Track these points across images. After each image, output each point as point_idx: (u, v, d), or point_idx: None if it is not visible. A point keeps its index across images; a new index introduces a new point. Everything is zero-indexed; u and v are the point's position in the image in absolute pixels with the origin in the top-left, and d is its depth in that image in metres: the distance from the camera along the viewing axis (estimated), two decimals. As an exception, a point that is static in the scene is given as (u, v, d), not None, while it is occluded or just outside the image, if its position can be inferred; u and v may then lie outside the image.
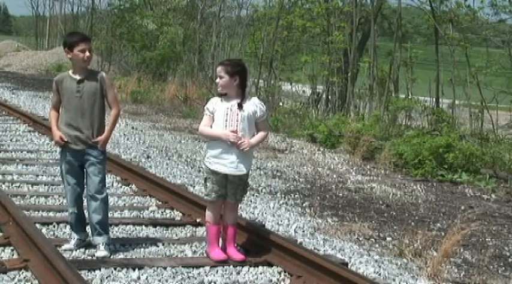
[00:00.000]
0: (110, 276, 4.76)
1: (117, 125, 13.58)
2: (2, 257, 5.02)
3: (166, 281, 4.75)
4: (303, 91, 19.94)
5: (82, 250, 5.31)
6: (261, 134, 5.34)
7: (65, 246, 5.31)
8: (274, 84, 18.72)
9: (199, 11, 24.25)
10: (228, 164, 5.16)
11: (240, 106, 5.20)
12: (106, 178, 7.71)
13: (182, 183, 8.18)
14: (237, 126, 5.18)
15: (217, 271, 5.02)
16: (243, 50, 22.26)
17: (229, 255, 5.23)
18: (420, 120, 15.35)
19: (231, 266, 5.14)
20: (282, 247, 5.27)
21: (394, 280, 5.21)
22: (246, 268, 5.14)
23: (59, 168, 5.79)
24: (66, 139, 5.25)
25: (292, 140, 12.95)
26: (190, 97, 18.56)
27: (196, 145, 11.70)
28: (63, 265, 4.41)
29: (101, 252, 5.19)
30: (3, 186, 7.33)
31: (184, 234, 6.07)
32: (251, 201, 7.50)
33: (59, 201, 6.90)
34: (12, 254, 5.11)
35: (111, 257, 5.21)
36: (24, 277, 4.65)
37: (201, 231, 6.11)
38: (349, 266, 5.30)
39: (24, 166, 8.54)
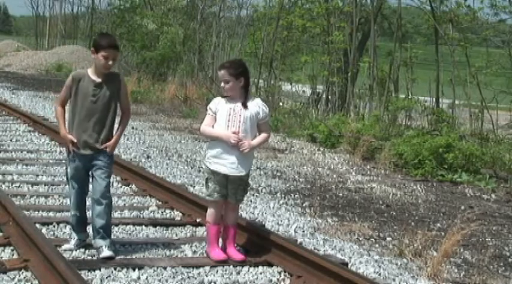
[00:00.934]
0: (110, 276, 4.76)
1: (117, 125, 13.59)
2: (2, 257, 5.02)
3: (166, 281, 4.75)
4: (303, 91, 19.94)
5: (82, 250, 5.31)
6: (262, 136, 5.32)
7: (65, 246, 5.26)
8: (274, 84, 18.72)
9: (199, 11, 24.26)
10: (228, 164, 5.14)
11: (243, 106, 5.17)
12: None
13: (182, 183, 8.18)
14: (239, 126, 5.14)
15: (217, 271, 5.02)
16: (243, 50, 22.26)
17: (229, 255, 5.22)
18: (420, 120, 15.35)
19: (231, 266, 5.14)
20: (282, 247, 5.27)
21: (394, 280, 5.21)
22: (246, 268, 5.14)
23: (64, 169, 5.66)
24: (74, 142, 5.10)
25: (292, 140, 12.95)
26: (190, 97, 18.56)
27: (196, 145, 11.70)
28: (63, 265, 4.41)
29: (106, 252, 5.06)
30: (3, 186, 7.33)
31: (184, 234, 6.07)
32: (251, 201, 7.50)
33: (59, 201, 6.90)
34: (12, 254, 5.11)
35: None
36: (24, 277, 4.65)
37: (201, 231, 6.11)
38: (349, 266, 5.30)
39: (24, 166, 8.54)
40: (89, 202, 5.43)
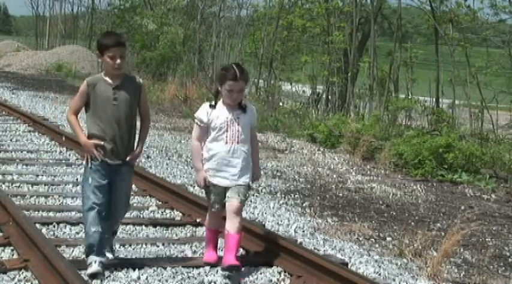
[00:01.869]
0: (110, 276, 4.75)
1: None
2: (2, 257, 5.02)
3: (166, 281, 4.75)
4: (303, 91, 19.95)
5: (82, 250, 5.30)
6: (257, 151, 5.11)
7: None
8: (274, 84, 18.73)
9: (199, 11, 24.26)
10: (229, 177, 4.87)
11: (243, 112, 4.90)
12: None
13: (182, 183, 8.18)
14: (238, 137, 4.86)
15: (217, 271, 5.02)
16: (243, 50, 22.26)
17: (226, 261, 4.88)
18: (420, 120, 15.36)
19: (231, 266, 5.13)
20: (282, 247, 5.27)
21: (394, 280, 5.21)
22: (246, 268, 5.13)
23: (81, 185, 4.93)
24: (101, 145, 4.69)
25: (292, 140, 12.95)
26: (190, 97, 18.56)
27: (196, 145, 11.70)
28: (63, 265, 4.41)
29: (94, 268, 4.61)
30: (3, 186, 7.32)
31: (184, 234, 6.07)
32: (251, 201, 7.49)
33: (59, 201, 6.90)
34: (12, 254, 5.11)
35: (112, 257, 5.20)
36: (24, 277, 4.65)
37: (201, 231, 6.11)
38: (349, 266, 5.30)
39: (24, 166, 8.54)
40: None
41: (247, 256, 5.37)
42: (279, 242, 5.33)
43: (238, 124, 4.85)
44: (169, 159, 10.04)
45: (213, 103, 4.90)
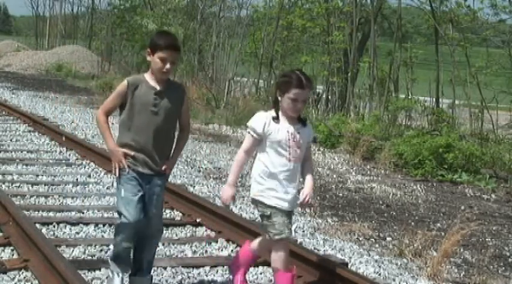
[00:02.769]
0: (110, 276, 4.75)
1: (117, 125, 13.59)
2: (2, 257, 5.02)
3: (166, 281, 4.75)
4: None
5: (82, 250, 5.31)
6: (310, 177, 4.34)
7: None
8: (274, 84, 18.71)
9: (199, 11, 24.26)
10: (291, 200, 4.21)
11: (303, 125, 4.26)
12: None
13: (182, 183, 8.18)
14: (299, 154, 4.22)
15: (217, 271, 5.02)
16: (243, 50, 22.27)
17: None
18: (420, 120, 15.37)
19: (231, 266, 5.13)
20: (282, 247, 5.26)
21: (394, 280, 5.21)
22: (246, 268, 5.13)
23: (115, 197, 4.47)
24: (131, 156, 4.17)
25: (292, 140, 12.93)
26: (190, 97, 18.55)
27: (196, 145, 11.70)
28: (63, 265, 4.41)
29: (114, 282, 4.28)
30: (3, 186, 7.32)
31: (184, 234, 6.07)
32: (251, 202, 7.48)
33: (59, 201, 6.90)
34: (12, 254, 5.10)
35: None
36: (24, 277, 4.65)
37: (201, 231, 6.11)
38: (349, 266, 5.30)
39: (24, 166, 8.54)
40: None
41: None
42: (279, 242, 5.33)
43: (299, 140, 4.20)
44: (169, 159, 10.03)
45: (275, 114, 4.20)
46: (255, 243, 4.50)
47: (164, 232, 6.07)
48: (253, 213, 6.94)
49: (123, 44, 27.46)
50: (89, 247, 5.36)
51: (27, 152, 9.62)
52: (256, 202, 4.28)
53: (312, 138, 4.43)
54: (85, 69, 29.85)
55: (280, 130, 4.16)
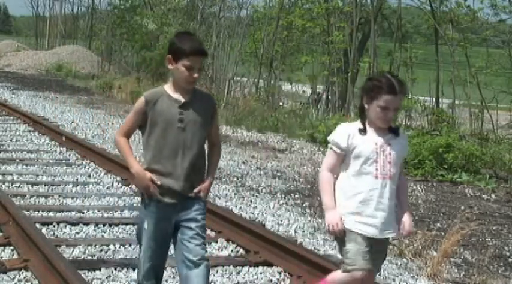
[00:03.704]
0: (110, 276, 4.75)
1: (117, 125, 13.60)
2: (2, 257, 5.02)
3: (166, 281, 4.75)
4: (303, 91, 19.96)
5: (82, 250, 5.31)
6: (405, 188, 3.80)
7: None
8: (274, 84, 18.74)
9: (199, 11, 24.26)
10: (379, 225, 3.60)
11: (395, 135, 3.65)
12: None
13: (182, 183, 8.16)
14: (390, 169, 3.61)
15: (217, 271, 5.02)
16: (243, 50, 22.26)
17: None
18: (420, 120, 15.36)
19: (231, 266, 5.13)
20: (282, 247, 5.27)
21: (394, 280, 5.21)
22: (246, 268, 5.13)
23: (136, 227, 3.89)
24: (158, 184, 3.63)
25: (292, 140, 12.95)
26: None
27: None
28: (63, 265, 4.41)
29: None
30: (3, 186, 7.32)
31: (184, 234, 6.06)
32: (251, 201, 7.49)
33: (59, 201, 6.90)
34: (12, 254, 5.10)
35: (112, 257, 5.21)
36: (24, 277, 4.65)
37: (201, 231, 6.11)
38: (349, 266, 5.30)
39: (24, 166, 8.54)
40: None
41: (247, 256, 5.37)
42: (279, 242, 5.33)
43: (390, 153, 3.60)
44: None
45: (361, 126, 3.64)
46: (332, 278, 3.82)
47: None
48: (253, 213, 6.95)
49: (123, 44, 27.44)
50: (89, 247, 5.36)
51: (27, 152, 9.62)
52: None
53: (407, 150, 3.81)
54: (85, 69, 29.85)
55: (366, 143, 3.59)
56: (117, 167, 8.39)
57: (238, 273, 5.05)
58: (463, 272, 5.65)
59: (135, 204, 6.98)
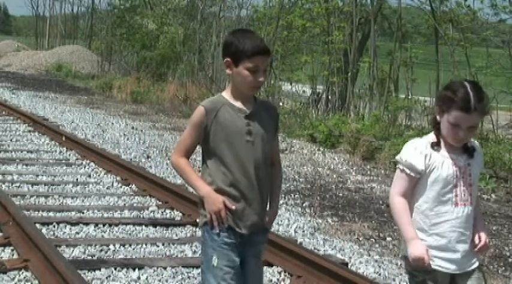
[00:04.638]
0: (110, 276, 4.76)
1: (117, 125, 13.61)
2: (2, 257, 5.02)
3: (166, 281, 4.75)
4: (303, 91, 19.95)
5: (82, 250, 5.31)
6: (478, 211, 3.18)
7: None
8: (274, 84, 18.73)
9: (199, 11, 24.25)
10: (459, 259, 3.07)
11: (469, 156, 3.08)
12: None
13: (182, 183, 8.17)
14: (470, 194, 3.07)
15: (217, 271, 5.01)
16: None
17: None
18: (420, 120, 15.36)
19: (231, 266, 5.13)
20: (282, 247, 5.27)
21: (394, 280, 5.21)
22: (246, 268, 5.13)
23: (203, 258, 3.20)
24: (230, 209, 3.06)
25: (292, 140, 12.94)
26: (190, 97, 18.57)
27: (196, 145, 11.69)
28: (63, 265, 4.42)
29: None
30: (3, 186, 7.33)
31: (184, 234, 6.07)
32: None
33: (59, 201, 6.90)
34: (12, 254, 5.11)
35: (112, 257, 5.21)
36: (24, 277, 4.65)
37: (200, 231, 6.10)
38: (349, 266, 5.30)
39: (24, 166, 8.54)
40: None
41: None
42: (279, 242, 5.33)
43: (470, 176, 3.07)
44: (169, 159, 10.04)
45: (434, 139, 3.10)
46: None
47: (164, 232, 6.09)
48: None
49: (123, 44, 27.41)
50: (89, 247, 5.36)
51: (27, 152, 9.63)
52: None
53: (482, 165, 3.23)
54: (85, 69, 29.83)
55: (445, 164, 3.04)
56: (117, 167, 8.41)
57: (238, 273, 5.05)
58: (463, 272, 5.65)
59: (135, 204, 6.99)
